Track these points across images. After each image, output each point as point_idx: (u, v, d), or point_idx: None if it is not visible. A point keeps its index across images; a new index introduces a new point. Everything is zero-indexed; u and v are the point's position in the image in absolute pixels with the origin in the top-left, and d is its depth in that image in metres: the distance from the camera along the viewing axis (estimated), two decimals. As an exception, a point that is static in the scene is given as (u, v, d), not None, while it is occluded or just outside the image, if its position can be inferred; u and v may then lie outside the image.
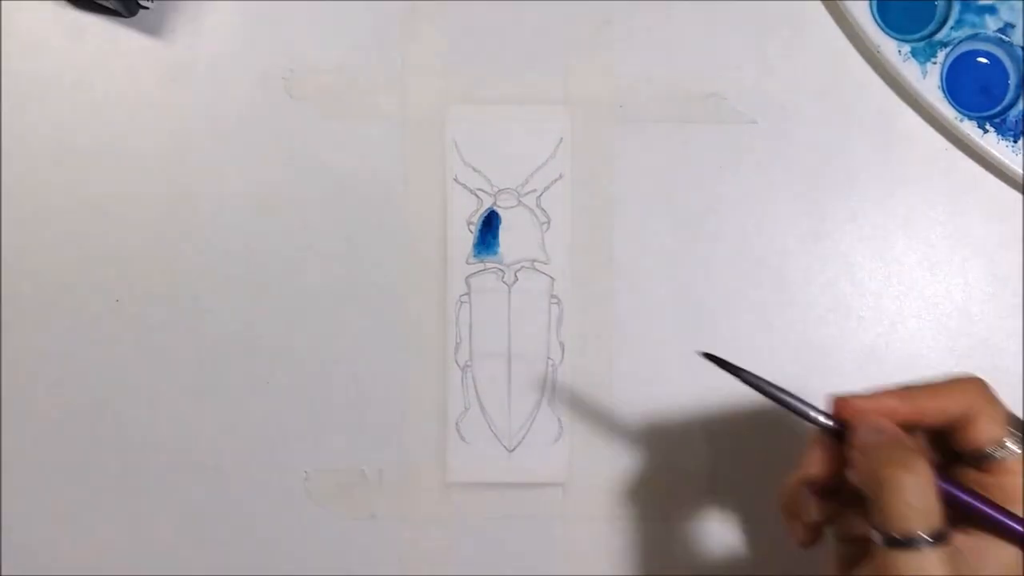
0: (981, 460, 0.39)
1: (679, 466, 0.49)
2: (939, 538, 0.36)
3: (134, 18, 0.48)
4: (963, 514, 0.38)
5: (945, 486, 0.37)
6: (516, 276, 0.49)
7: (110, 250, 0.48)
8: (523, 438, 0.48)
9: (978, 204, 0.49)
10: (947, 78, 0.48)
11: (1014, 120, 0.48)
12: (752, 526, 0.48)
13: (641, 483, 0.48)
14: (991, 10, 0.49)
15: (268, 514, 0.48)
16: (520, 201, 0.49)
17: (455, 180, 0.49)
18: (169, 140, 0.48)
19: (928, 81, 0.48)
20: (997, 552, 0.38)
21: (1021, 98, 0.48)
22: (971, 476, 0.39)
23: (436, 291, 0.48)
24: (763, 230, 0.49)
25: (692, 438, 0.49)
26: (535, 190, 0.49)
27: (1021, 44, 0.49)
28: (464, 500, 0.48)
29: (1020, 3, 0.49)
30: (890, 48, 0.48)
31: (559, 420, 0.48)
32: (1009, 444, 0.38)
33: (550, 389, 0.48)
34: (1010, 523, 0.38)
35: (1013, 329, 0.49)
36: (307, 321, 0.48)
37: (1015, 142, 0.48)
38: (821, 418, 0.39)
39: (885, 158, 0.49)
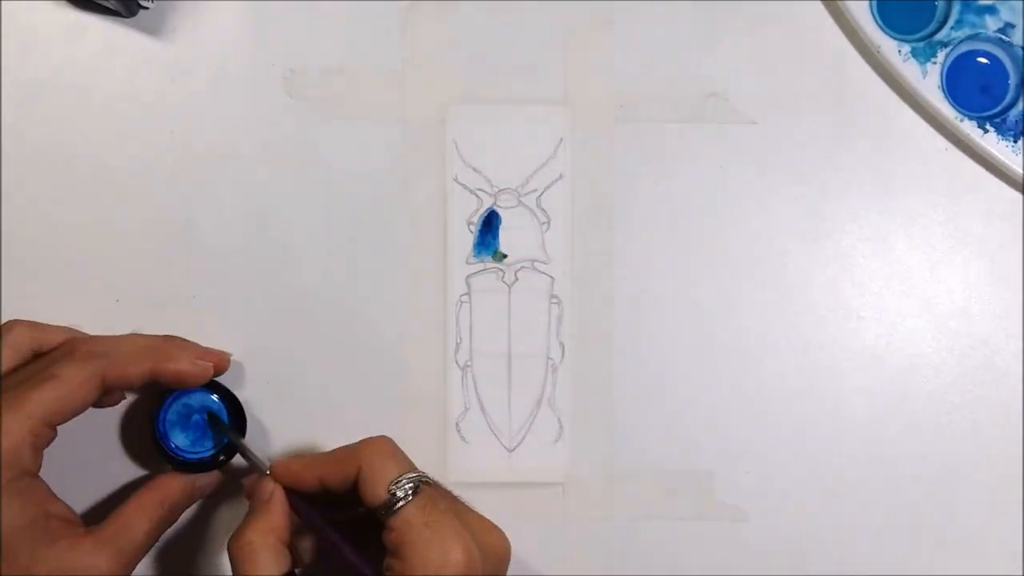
0: (384, 522, 0.40)
1: (679, 466, 0.49)
2: None
3: (134, 18, 0.48)
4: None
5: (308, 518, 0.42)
6: (516, 276, 0.49)
7: (110, 250, 0.48)
8: (523, 438, 0.48)
9: (978, 204, 0.49)
10: (947, 78, 0.48)
11: (1014, 120, 0.48)
12: (752, 526, 0.48)
13: (641, 483, 0.48)
14: (991, 10, 0.49)
15: (268, 514, 0.48)
16: (520, 201, 0.49)
17: (455, 180, 0.49)
18: (169, 140, 0.48)
19: (928, 81, 0.48)
20: None
21: (1021, 98, 0.48)
22: (385, 539, 0.40)
23: (436, 291, 0.48)
24: (763, 230, 0.49)
25: (692, 438, 0.49)
26: (535, 190, 0.49)
27: (1021, 44, 0.49)
28: (464, 500, 0.48)
29: (1020, 3, 0.49)
30: (890, 48, 0.48)
31: (559, 420, 0.48)
32: (397, 493, 0.40)
33: (550, 389, 0.48)
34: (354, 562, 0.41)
35: (1013, 329, 0.49)
36: (307, 321, 0.48)
37: (1015, 142, 0.48)
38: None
39: (885, 158, 0.49)
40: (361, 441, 0.42)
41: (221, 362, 0.45)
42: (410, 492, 0.40)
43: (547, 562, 0.48)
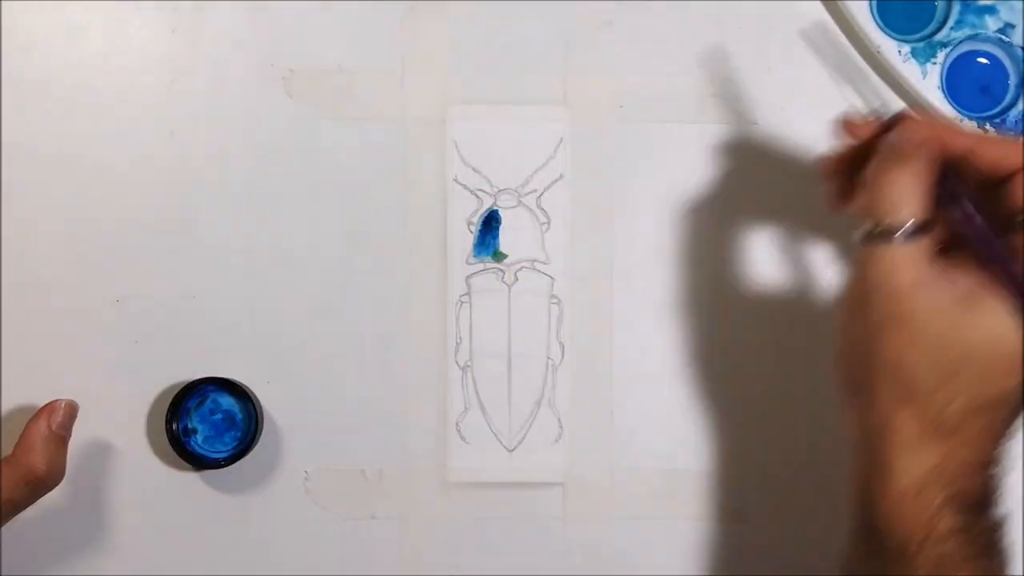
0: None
1: (679, 466, 0.49)
2: (914, 233, 0.36)
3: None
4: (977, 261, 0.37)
5: (957, 204, 0.37)
6: (516, 276, 0.49)
7: (110, 250, 0.48)
8: (523, 438, 0.48)
9: (978, 204, 0.49)
10: (947, 78, 0.48)
11: (1014, 120, 0.48)
12: (752, 526, 0.48)
13: (641, 483, 0.48)
14: (991, 10, 0.49)
15: (268, 514, 0.48)
16: (520, 201, 0.49)
17: (455, 180, 0.49)
18: (169, 140, 0.48)
19: (928, 81, 0.48)
20: (1001, 311, 0.36)
21: (1021, 98, 0.48)
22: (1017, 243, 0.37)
23: (436, 291, 0.48)
24: (763, 230, 0.49)
25: (692, 438, 0.49)
26: (535, 190, 0.49)
27: (1021, 44, 0.49)
28: (464, 500, 0.48)
29: (1020, 3, 0.49)
30: (890, 48, 0.48)
31: (559, 420, 0.48)
32: None
33: (550, 389, 0.48)
34: (994, 256, 0.36)
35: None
36: (307, 321, 0.48)
37: (1015, 142, 0.48)
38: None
39: (885, 158, 0.49)
40: (1017, 139, 0.38)
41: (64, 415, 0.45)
42: None
43: (547, 562, 0.48)
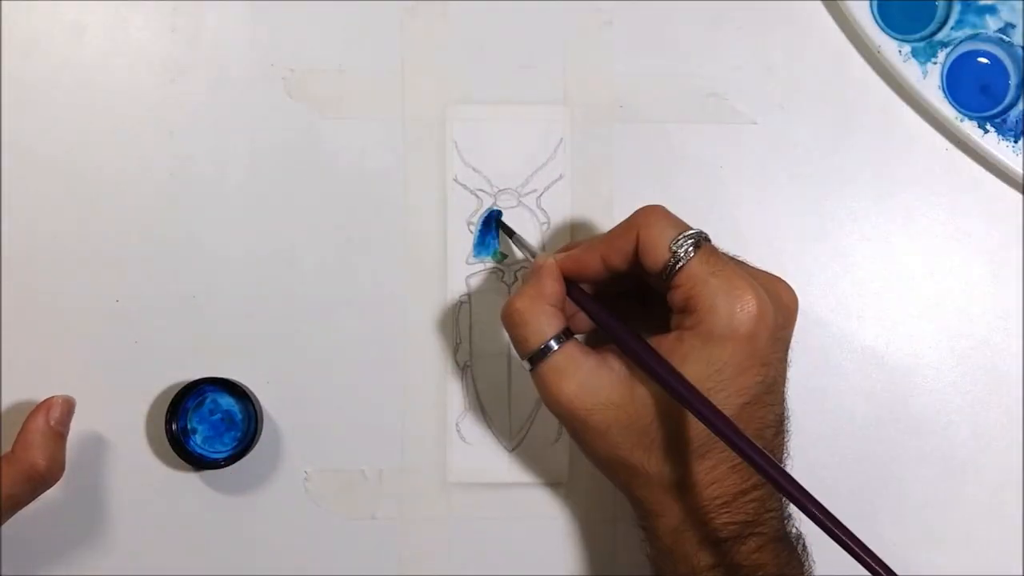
0: (668, 283, 0.39)
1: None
2: (560, 338, 0.39)
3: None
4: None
5: (581, 301, 0.41)
6: (516, 276, 0.49)
7: (110, 250, 0.48)
8: (523, 438, 0.48)
9: (978, 204, 0.49)
10: (947, 78, 0.48)
11: (1014, 120, 0.48)
12: (752, 526, 0.48)
13: (641, 483, 0.48)
14: (991, 10, 0.49)
15: (268, 514, 0.48)
16: (520, 201, 0.49)
17: (455, 180, 0.49)
18: (169, 140, 0.48)
19: (928, 81, 0.48)
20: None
21: (1021, 98, 0.48)
22: (670, 299, 0.40)
23: (436, 291, 0.48)
24: (763, 230, 0.49)
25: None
26: (535, 190, 0.49)
27: (1021, 44, 0.48)
28: (464, 500, 0.48)
29: (1020, 3, 0.49)
30: (890, 48, 0.48)
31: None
32: (673, 259, 0.39)
33: (550, 389, 0.48)
34: (622, 339, 0.39)
35: (1013, 329, 0.49)
36: (307, 321, 0.48)
37: (1015, 142, 0.48)
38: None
39: (885, 158, 0.49)
40: (634, 212, 0.40)
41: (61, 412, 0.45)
42: (691, 248, 0.38)
43: (547, 562, 0.48)
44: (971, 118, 0.48)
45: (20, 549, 0.47)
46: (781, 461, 0.41)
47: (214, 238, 0.48)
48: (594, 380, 0.39)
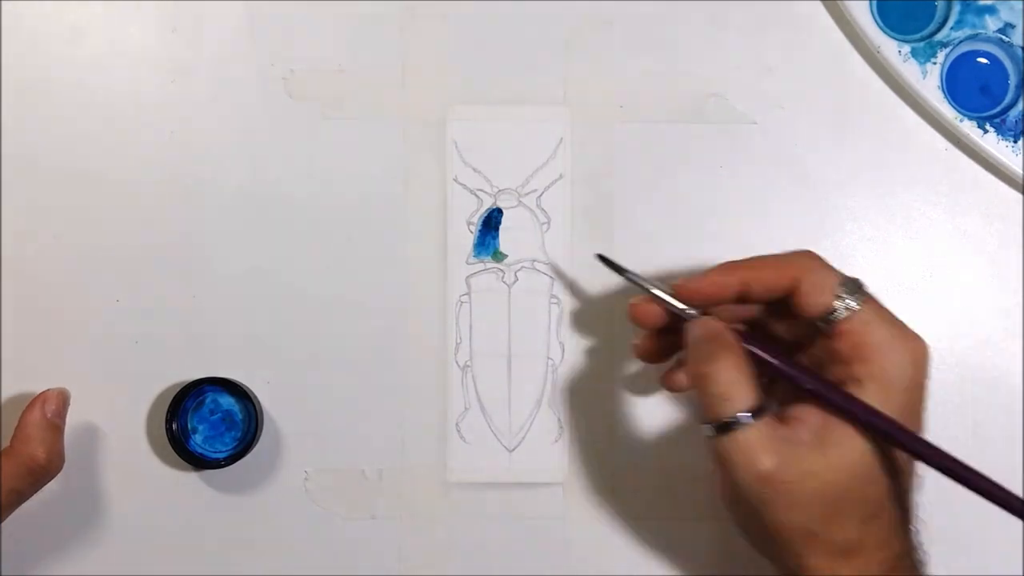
0: (827, 327, 0.39)
1: (679, 466, 0.49)
2: (757, 413, 0.38)
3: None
4: (811, 392, 0.39)
5: (767, 357, 0.39)
6: (516, 276, 0.49)
7: (110, 250, 0.48)
8: (523, 438, 0.48)
9: (978, 204, 0.49)
10: (947, 78, 0.48)
11: (1014, 120, 0.48)
12: (752, 526, 0.48)
13: (641, 483, 0.48)
14: (991, 10, 0.49)
15: (268, 514, 0.48)
16: (520, 201, 0.49)
17: (455, 180, 0.49)
18: (169, 140, 0.48)
19: (928, 81, 0.48)
20: (846, 435, 0.38)
21: (1021, 98, 0.48)
22: (825, 346, 0.40)
23: (436, 291, 0.48)
24: (763, 230, 0.49)
25: (692, 438, 0.49)
26: (535, 190, 0.49)
27: (1021, 44, 0.49)
28: (464, 500, 0.48)
29: (1020, 3, 0.49)
30: (890, 48, 0.48)
31: (559, 420, 0.48)
32: (840, 305, 0.39)
33: (550, 389, 0.48)
34: (820, 389, 0.39)
35: (1013, 329, 0.49)
36: (307, 321, 0.48)
37: (1015, 142, 0.48)
38: (681, 305, 0.41)
39: (885, 158, 0.49)
40: (791, 253, 0.40)
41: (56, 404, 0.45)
42: (856, 293, 0.39)
43: (547, 562, 0.48)
44: (971, 118, 0.48)
45: (20, 548, 0.47)
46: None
47: (214, 238, 0.48)
48: (792, 451, 0.38)
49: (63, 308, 0.48)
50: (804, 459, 0.38)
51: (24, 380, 0.47)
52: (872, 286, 0.49)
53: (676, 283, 0.41)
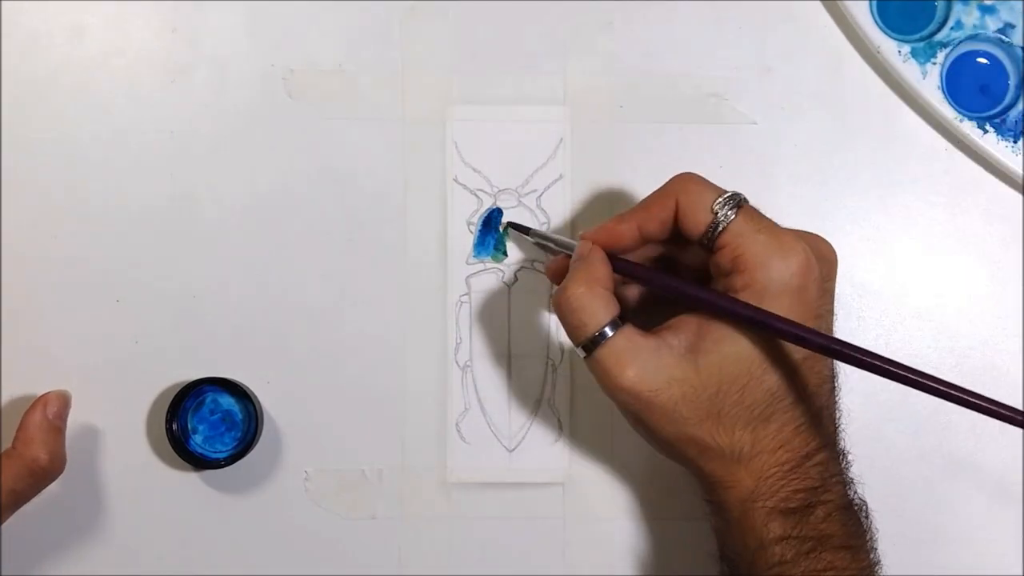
0: (712, 245, 0.40)
1: (679, 466, 0.48)
2: (617, 323, 0.39)
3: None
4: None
5: (633, 270, 0.41)
6: (516, 276, 0.49)
7: (110, 250, 0.48)
8: (523, 438, 0.48)
9: (978, 204, 0.49)
10: (947, 78, 0.48)
11: (1014, 120, 0.48)
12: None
13: (641, 483, 0.48)
14: (991, 10, 0.49)
15: (268, 514, 0.48)
16: (520, 201, 0.49)
17: (455, 180, 0.49)
18: (169, 140, 0.48)
19: (928, 81, 0.48)
20: (723, 337, 0.39)
21: (1021, 98, 0.48)
22: (713, 263, 0.40)
23: (436, 291, 0.48)
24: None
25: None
26: (535, 190, 0.49)
27: (1021, 44, 0.49)
28: (464, 500, 0.48)
29: (1020, 3, 0.49)
30: (890, 48, 0.48)
31: (559, 420, 0.48)
32: (720, 220, 0.39)
33: (550, 389, 0.48)
34: (692, 292, 0.40)
35: (1013, 329, 0.49)
36: (307, 321, 0.48)
37: (1015, 142, 0.48)
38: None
39: (885, 158, 0.49)
40: (669, 180, 0.41)
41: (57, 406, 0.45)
42: (733, 208, 0.39)
43: (547, 562, 0.48)
44: (970, 118, 0.48)
45: (20, 548, 0.47)
46: (839, 416, 0.42)
47: (214, 238, 0.48)
48: (656, 360, 0.39)
49: (63, 308, 0.48)
50: (668, 367, 0.39)
51: (24, 380, 0.47)
52: (872, 285, 0.49)
53: (580, 234, 0.42)
